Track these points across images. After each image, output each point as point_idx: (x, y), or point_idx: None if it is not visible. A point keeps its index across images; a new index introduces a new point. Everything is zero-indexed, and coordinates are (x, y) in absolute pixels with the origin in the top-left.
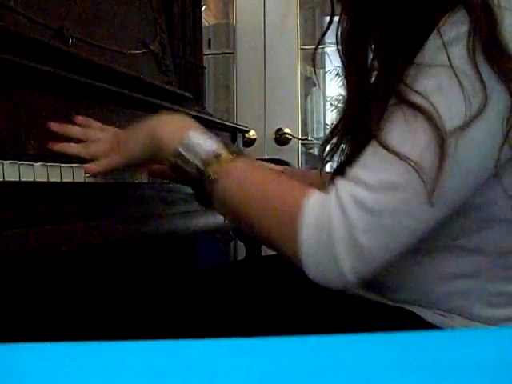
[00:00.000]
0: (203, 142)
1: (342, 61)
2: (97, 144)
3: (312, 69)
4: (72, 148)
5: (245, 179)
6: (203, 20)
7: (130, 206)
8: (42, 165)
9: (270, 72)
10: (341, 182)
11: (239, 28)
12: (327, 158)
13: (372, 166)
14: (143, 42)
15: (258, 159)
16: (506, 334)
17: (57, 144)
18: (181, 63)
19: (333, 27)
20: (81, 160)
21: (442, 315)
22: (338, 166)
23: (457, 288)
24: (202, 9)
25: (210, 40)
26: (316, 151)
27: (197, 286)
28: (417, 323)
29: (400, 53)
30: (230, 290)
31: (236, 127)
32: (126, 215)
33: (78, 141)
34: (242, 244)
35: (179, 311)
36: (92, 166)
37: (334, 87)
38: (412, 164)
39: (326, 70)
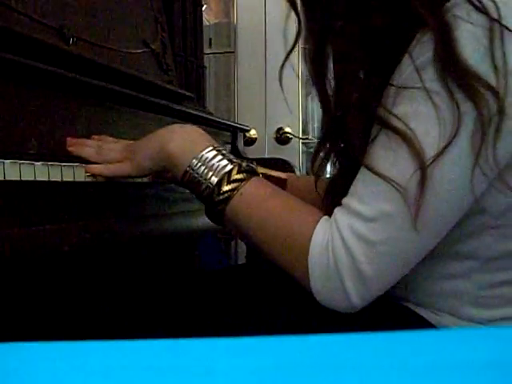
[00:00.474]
0: (215, 161)
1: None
2: (110, 151)
3: None
4: (86, 151)
5: (256, 203)
6: (204, 19)
7: (130, 205)
8: (42, 164)
9: (270, 71)
10: (339, 215)
11: (240, 27)
12: (319, 173)
13: (365, 196)
14: (144, 41)
15: (258, 159)
16: (505, 334)
17: (72, 145)
18: (181, 62)
19: None
20: (81, 160)
21: (434, 313)
22: (330, 181)
23: (448, 288)
24: (203, 8)
25: (210, 39)
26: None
27: (197, 286)
28: (412, 318)
29: (374, 73)
30: (230, 291)
31: (237, 126)
32: (127, 215)
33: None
34: (242, 244)
35: (179, 311)
36: (98, 167)
37: None
38: (399, 190)
39: None
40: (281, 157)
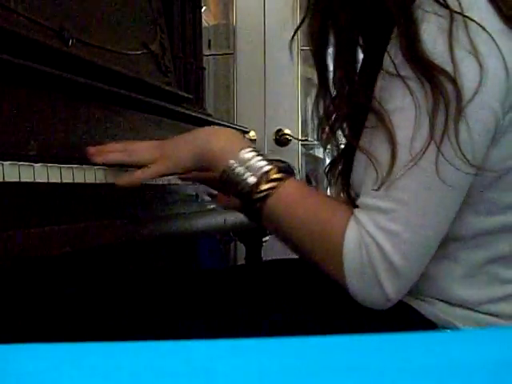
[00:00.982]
0: (254, 160)
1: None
2: (140, 152)
3: (312, 70)
4: (115, 156)
5: (293, 202)
6: (203, 21)
7: (129, 206)
8: (41, 165)
9: (269, 73)
10: (360, 215)
11: (239, 29)
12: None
13: (376, 190)
14: (143, 43)
15: None
16: (506, 333)
17: (95, 154)
18: (181, 64)
19: None
20: (81, 161)
21: (423, 301)
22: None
23: (435, 272)
24: (202, 9)
25: (209, 41)
26: (316, 152)
27: (197, 287)
28: (406, 312)
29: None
30: (230, 292)
31: (236, 128)
32: (126, 216)
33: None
34: (242, 245)
35: (180, 312)
36: (135, 174)
37: None
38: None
39: None
40: (280, 158)
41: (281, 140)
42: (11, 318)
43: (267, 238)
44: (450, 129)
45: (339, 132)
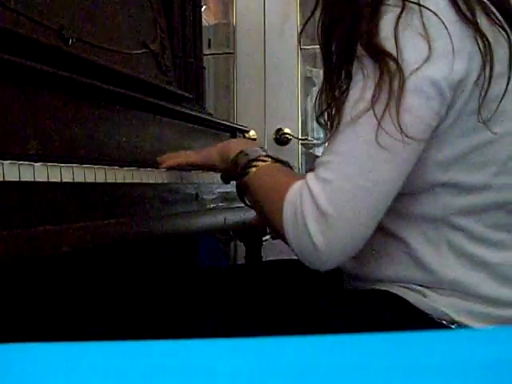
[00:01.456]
0: (255, 150)
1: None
2: (186, 151)
3: (312, 69)
4: (172, 158)
5: (265, 174)
6: (203, 20)
7: (130, 206)
8: (42, 165)
9: (270, 72)
10: (309, 173)
11: (239, 28)
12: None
13: (327, 148)
14: (143, 42)
15: None
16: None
17: (165, 161)
18: (181, 63)
19: None
20: (81, 161)
21: (406, 288)
22: None
23: (409, 257)
24: (202, 9)
25: (209, 40)
26: (316, 151)
27: (197, 286)
28: (397, 303)
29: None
30: (230, 292)
31: (236, 127)
32: (126, 215)
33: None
34: (241, 244)
35: (179, 311)
36: (171, 159)
37: None
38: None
39: None
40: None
41: (281, 139)
42: (11, 318)
43: (267, 237)
44: (392, 99)
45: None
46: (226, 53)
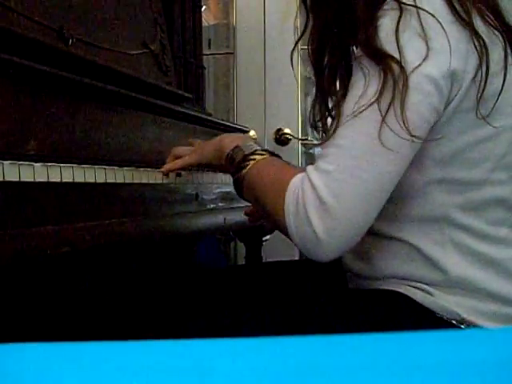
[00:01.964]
0: (249, 146)
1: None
2: (179, 149)
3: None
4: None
5: (264, 168)
6: (203, 20)
7: (129, 206)
8: (42, 165)
9: (269, 72)
10: (309, 166)
11: (239, 28)
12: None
13: (328, 142)
14: (143, 43)
15: None
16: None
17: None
18: (181, 63)
19: None
20: (80, 161)
21: (411, 286)
22: None
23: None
24: (202, 9)
25: (210, 40)
26: (316, 151)
27: (197, 287)
28: (404, 302)
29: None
30: (230, 292)
31: (236, 127)
32: (126, 216)
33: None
34: (242, 244)
35: (179, 311)
36: (168, 164)
37: None
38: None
39: None
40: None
41: (281, 139)
42: (11, 318)
43: (267, 237)
44: (396, 97)
45: None
46: (226, 53)
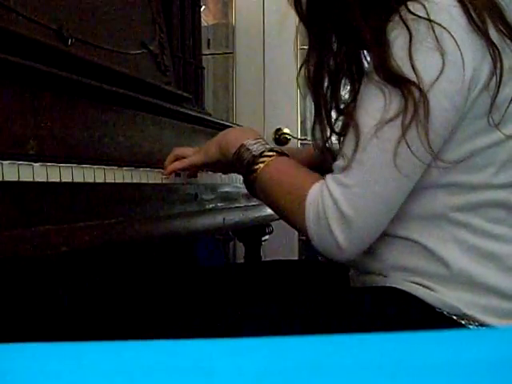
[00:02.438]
0: (257, 145)
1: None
2: (182, 149)
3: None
4: (168, 160)
5: (277, 171)
6: (202, 20)
7: (129, 206)
8: (41, 165)
9: (269, 72)
10: (328, 176)
11: (238, 28)
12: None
13: (345, 153)
14: (142, 42)
15: None
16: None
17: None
18: (180, 63)
19: None
20: (80, 161)
21: (414, 283)
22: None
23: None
24: (202, 9)
25: (209, 40)
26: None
27: (196, 286)
28: (405, 299)
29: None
30: (230, 291)
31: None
32: (126, 215)
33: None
34: (241, 244)
35: (179, 311)
36: (173, 164)
37: None
38: (365, 139)
39: None
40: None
41: (280, 139)
42: (11, 318)
43: (266, 237)
44: (418, 120)
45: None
46: (226, 53)
